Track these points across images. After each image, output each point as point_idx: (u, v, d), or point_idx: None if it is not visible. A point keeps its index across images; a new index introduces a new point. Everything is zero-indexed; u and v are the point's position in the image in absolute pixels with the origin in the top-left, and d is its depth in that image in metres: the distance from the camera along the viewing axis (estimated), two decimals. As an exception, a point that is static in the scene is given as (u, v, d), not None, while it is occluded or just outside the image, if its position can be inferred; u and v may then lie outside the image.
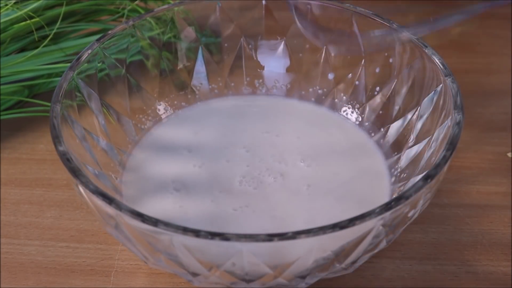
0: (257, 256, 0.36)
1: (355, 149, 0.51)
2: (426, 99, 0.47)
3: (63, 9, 0.56)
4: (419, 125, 0.48)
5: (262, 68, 0.57)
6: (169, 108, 0.55)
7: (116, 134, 0.50)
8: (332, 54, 0.49)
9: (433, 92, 0.46)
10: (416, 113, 0.48)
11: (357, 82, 0.54)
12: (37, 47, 0.55)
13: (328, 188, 0.47)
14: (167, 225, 0.34)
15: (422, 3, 0.68)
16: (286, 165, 0.49)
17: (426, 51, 0.47)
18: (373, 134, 0.52)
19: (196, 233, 0.34)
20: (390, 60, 0.51)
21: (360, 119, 0.53)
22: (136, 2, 0.61)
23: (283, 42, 0.56)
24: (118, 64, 0.51)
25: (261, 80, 0.56)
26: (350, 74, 0.54)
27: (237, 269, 0.37)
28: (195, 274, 0.39)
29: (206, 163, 0.50)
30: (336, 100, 0.55)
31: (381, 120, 0.52)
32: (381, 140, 0.51)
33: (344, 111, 0.54)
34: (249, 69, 0.56)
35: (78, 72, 0.46)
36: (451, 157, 0.39)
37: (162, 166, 0.50)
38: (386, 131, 0.51)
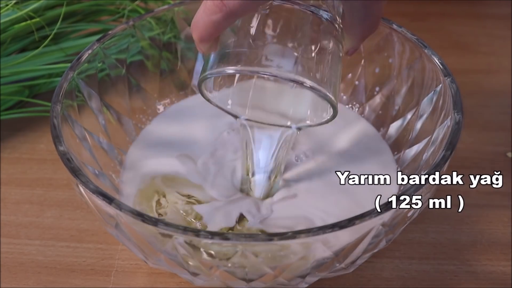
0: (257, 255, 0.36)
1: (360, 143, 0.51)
2: (425, 99, 0.47)
3: (63, 9, 0.57)
4: (418, 125, 0.48)
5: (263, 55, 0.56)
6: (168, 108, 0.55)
7: (116, 134, 0.50)
8: None
9: (432, 92, 0.46)
10: (416, 113, 0.48)
11: (356, 82, 0.54)
12: (37, 47, 0.55)
13: (327, 186, 0.48)
14: (167, 224, 0.35)
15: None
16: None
17: (426, 51, 0.47)
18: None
19: (196, 232, 0.34)
20: (390, 60, 0.51)
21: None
22: (137, 2, 0.61)
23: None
24: (118, 64, 0.51)
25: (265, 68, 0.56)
26: (350, 74, 0.54)
27: (237, 268, 0.37)
28: (195, 274, 0.39)
29: (208, 156, 0.50)
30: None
31: (381, 120, 0.52)
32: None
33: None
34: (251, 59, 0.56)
35: (79, 72, 0.46)
36: (451, 157, 0.39)
37: (158, 162, 0.49)
38: (386, 131, 0.51)
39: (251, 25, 0.38)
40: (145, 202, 0.46)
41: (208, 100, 0.43)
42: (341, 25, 0.40)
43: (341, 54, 0.40)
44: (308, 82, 0.38)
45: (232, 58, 0.38)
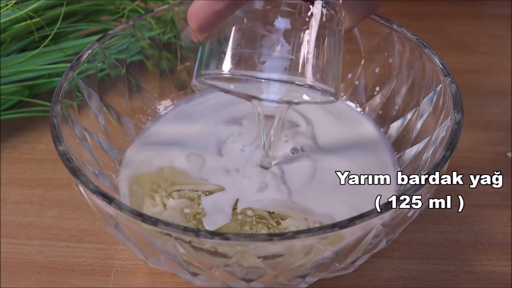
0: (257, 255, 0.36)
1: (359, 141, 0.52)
2: (425, 99, 0.47)
3: (63, 9, 0.57)
4: (418, 125, 0.48)
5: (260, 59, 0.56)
6: (169, 108, 0.55)
7: (116, 133, 0.50)
8: None
9: (432, 92, 0.46)
10: (416, 113, 0.48)
11: (357, 82, 0.54)
12: (37, 47, 0.55)
13: (326, 181, 0.48)
14: (167, 224, 0.35)
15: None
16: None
17: (426, 51, 0.47)
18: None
19: (196, 232, 0.34)
20: (390, 60, 0.51)
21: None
22: (136, 2, 0.61)
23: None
24: (118, 64, 0.51)
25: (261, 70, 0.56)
26: (350, 74, 0.54)
27: (237, 268, 0.37)
28: (195, 274, 0.39)
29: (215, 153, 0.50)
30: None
31: (381, 120, 0.52)
32: (381, 140, 0.51)
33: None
34: (247, 62, 0.56)
35: (79, 72, 0.46)
36: (451, 157, 0.39)
37: (156, 161, 0.50)
38: (386, 131, 0.51)
39: (247, 20, 0.38)
40: (142, 188, 0.47)
41: (212, 87, 0.43)
42: (341, 8, 0.39)
43: (342, 34, 0.40)
44: (307, 82, 0.38)
45: (229, 59, 0.38)
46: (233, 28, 0.38)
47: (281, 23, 0.38)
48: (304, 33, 0.38)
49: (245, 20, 0.38)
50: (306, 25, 0.38)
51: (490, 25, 0.71)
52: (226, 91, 0.44)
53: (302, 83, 0.38)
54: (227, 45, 0.38)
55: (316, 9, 0.38)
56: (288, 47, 0.38)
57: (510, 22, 0.70)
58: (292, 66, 0.38)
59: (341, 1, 0.39)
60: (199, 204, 0.45)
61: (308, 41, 0.38)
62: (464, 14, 0.73)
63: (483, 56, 0.66)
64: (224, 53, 0.38)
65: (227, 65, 0.38)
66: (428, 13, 0.73)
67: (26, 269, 0.46)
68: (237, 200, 0.45)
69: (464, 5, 0.74)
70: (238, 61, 0.38)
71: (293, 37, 0.38)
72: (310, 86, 0.38)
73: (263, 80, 0.40)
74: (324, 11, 0.39)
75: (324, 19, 0.39)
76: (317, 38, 0.38)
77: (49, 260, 0.47)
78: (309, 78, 0.38)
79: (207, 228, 0.44)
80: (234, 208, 0.45)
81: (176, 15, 0.53)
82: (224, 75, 0.39)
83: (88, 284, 0.45)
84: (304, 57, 0.38)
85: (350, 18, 0.40)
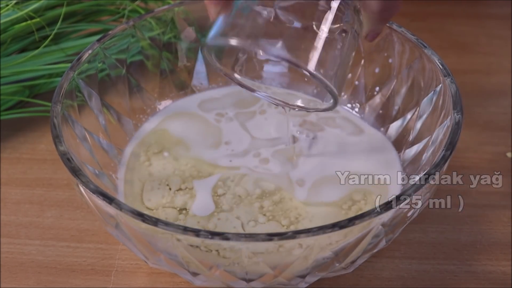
0: (257, 255, 0.36)
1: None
2: (425, 99, 0.47)
3: (63, 9, 0.57)
4: (418, 125, 0.48)
5: (262, 68, 0.57)
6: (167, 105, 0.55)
7: (117, 133, 0.50)
8: None
9: (432, 92, 0.46)
10: (416, 113, 0.48)
11: (356, 82, 0.54)
12: (37, 48, 0.56)
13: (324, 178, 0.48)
14: (167, 224, 0.35)
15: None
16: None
17: (426, 51, 0.47)
18: (372, 134, 0.52)
19: (196, 232, 0.34)
20: (390, 60, 0.51)
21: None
22: (137, 2, 0.61)
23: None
24: (118, 64, 0.51)
25: (261, 80, 0.56)
26: (350, 74, 0.54)
27: (237, 268, 0.37)
28: (195, 274, 0.39)
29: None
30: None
31: (381, 120, 0.52)
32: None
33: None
34: (250, 70, 0.56)
35: (79, 72, 0.46)
36: (451, 157, 0.39)
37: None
38: (386, 131, 0.51)
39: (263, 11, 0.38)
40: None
41: (218, 69, 0.43)
42: (358, 9, 0.39)
43: (357, 35, 0.40)
44: (309, 69, 0.38)
45: (236, 33, 0.38)
46: (248, 12, 0.38)
47: (296, 17, 0.38)
48: (318, 30, 0.38)
49: (260, 10, 0.38)
50: (320, 22, 0.38)
51: (490, 25, 0.71)
52: (230, 77, 0.45)
53: (305, 69, 0.38)
54: (240, 20, 0.38)
55: (333, 9, 0.38)
56: (300, 39, 0.38)
57: (510, 22, 0.70)
58: (299, 53, 0.38)
59: (358, 6, 0.39)
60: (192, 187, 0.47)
61: (319, 38, 0.38)
62: (464, 14, 0.73)
63: (483, 56, 0.66)
64: (236, 25, 0.38)
65: (234, 36, 0.38)
66: (428, 13, 0.73)
67: (26, 269, 0.46)
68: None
69: (464, 5, 0.74)
70: (245, 35, 0.38)
71: (306, 32, 0.38)
72: (312, 75, 0.38)
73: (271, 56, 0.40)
74: (340, 11, 0.39)
75: (339, 19, 0.39)
76: (330, 39, 0.38)
77: (50, 260, 0.47)
78: (312, 67, 0.38)
79: (194, 213, 0.45)
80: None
81: (176, 15, 0.53)
82: (231, 43, 0.38)
83: (88, 284, 0.45)
84: (312, 51, 0.38)
85: (369, 22, 0.40)
